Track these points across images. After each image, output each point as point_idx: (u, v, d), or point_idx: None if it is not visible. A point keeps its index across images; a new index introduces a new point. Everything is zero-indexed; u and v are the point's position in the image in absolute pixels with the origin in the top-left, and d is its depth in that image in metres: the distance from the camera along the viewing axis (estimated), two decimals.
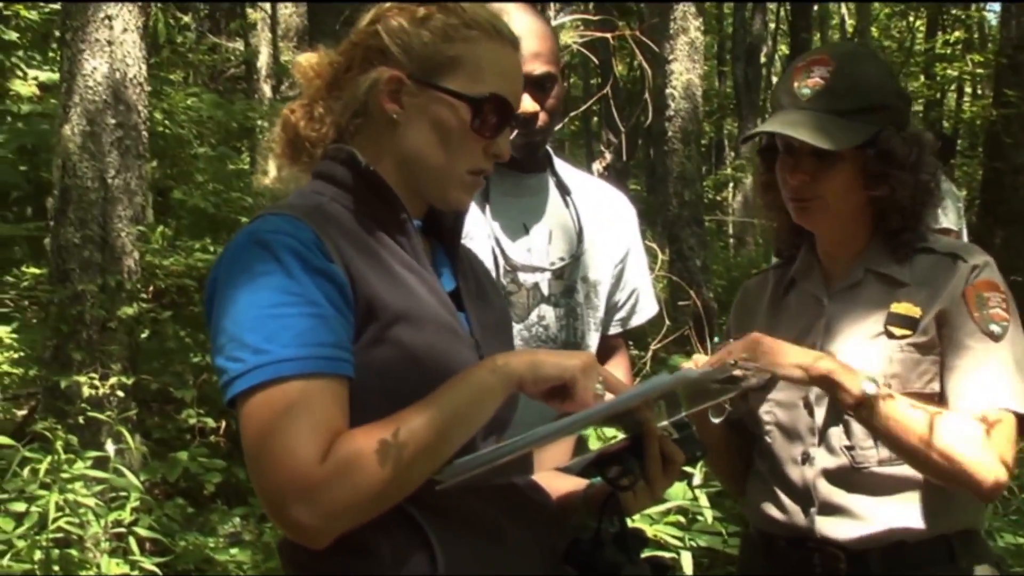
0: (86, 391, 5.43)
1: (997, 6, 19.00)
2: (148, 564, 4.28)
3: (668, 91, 9.44)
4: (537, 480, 1.82)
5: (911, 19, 23.56)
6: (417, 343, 1.57)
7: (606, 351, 2.73)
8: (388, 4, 1.73)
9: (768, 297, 2.38)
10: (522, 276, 2.53)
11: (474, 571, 1.58)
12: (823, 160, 2.12)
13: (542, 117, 2.51)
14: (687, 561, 3.75)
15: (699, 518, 4.00)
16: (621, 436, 1.72)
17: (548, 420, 2.56)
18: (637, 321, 2.80)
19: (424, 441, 1.48)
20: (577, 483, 1.87)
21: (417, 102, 1.67)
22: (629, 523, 1.77)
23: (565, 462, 2.04)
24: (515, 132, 1.83)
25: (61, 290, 5.68)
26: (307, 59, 1.77)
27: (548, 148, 2.66)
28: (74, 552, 4.33)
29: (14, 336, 6.81)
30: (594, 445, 3.08)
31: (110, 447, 4.50)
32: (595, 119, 21.72)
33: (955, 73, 18.97)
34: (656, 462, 1.69)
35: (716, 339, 2.17)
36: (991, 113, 12.93)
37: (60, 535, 4.24)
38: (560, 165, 2.71)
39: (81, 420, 5.37)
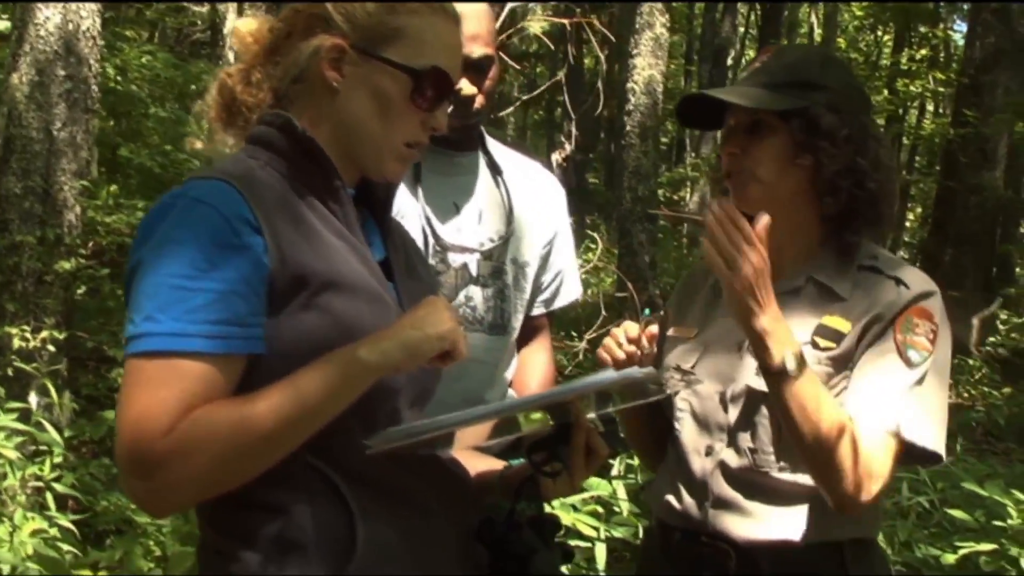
0: (17, 343, 5.38)
1: (964, 26, 19.18)
2: (63, 520, 4.23)
3: (629, 86, 9.45)
4: (456, 456, 1.82)
5: (879, 33, 23.74)
6: (347, 310, 1.57)
7: (529, 331, 2.74)
8: None
9: (710, 285, 2.35)
10: (451, 256, 2.53)
11: (393, 542, 1.58)
12: (753, 134, 2.14)
13: (479, 100, 2.51)
14: (601, 552, 3.77)
15: (615, 509, 4.02)
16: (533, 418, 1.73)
17: (465, 393, 2.57)
18: (561, 303, 2.80)
19: (270, 429, 1.47)
20: (492, 463, 1.89)
21: (358, 71, 1.67)
22: (547, 509, 1.78)
23: (483, 441, 2.04)
24: (451, 109, 1.82)
25: None
26: (245, 25, 1.76)
27: (481, 127, 2.65)
28: None
29: None
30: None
31: (33, 399, 4.45)
32: (559, 110, 21.72)
33: (918, 90, 19.13)
34: (581, 453, 1.73)
35: (647, 311, 2.15)
36: (949, 132, 13.08)
37: None
38: (492, 144, 2.70)
39: (10, 372, 5.32)
